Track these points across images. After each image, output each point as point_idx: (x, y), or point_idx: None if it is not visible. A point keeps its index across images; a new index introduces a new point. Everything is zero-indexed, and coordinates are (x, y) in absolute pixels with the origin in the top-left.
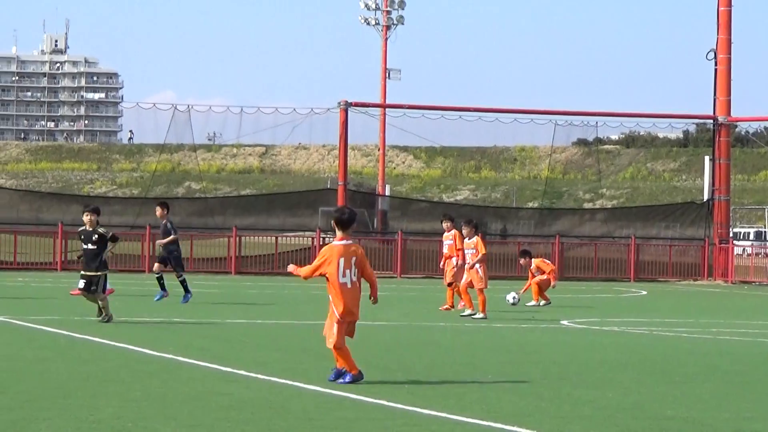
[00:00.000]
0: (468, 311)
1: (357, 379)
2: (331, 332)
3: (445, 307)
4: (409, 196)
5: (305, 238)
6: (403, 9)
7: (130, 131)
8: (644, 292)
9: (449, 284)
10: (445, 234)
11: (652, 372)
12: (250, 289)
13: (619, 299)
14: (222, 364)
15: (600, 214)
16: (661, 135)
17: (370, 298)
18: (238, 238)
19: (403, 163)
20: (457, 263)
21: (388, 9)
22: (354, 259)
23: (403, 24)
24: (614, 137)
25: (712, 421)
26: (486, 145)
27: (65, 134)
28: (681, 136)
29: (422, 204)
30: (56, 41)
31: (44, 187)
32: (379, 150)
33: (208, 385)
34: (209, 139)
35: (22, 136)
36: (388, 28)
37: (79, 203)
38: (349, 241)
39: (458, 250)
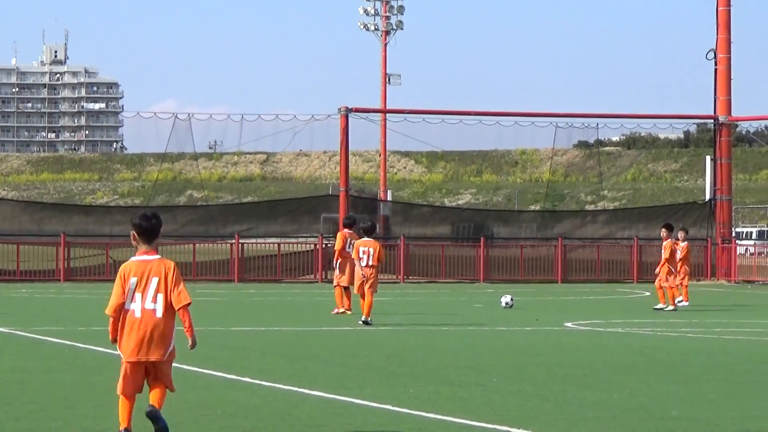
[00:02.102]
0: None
1: None
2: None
3: (341, 310)
4: (411, 201)
5: (308, 245)
6: (402, 14)
7: (121, 141)
8: (647, 293)
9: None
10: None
11: (658, 373)
12: (253, 296)
13: (622, 300)
14: (227, 371)
15: (602, 215)
16: (662, 136)
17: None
18: (240, 246)
19: (405, 168)
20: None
21: (387, 14)
22: (155, 280)
23: (402, 29)
24: (615, 139)
25: (718, 420)
26: (487, 149)
27: (66, 145)
28: (682, 136)
29: (424, 209)
30: (56, 52)
31: (46, 198)
32: (380, 155)
33: (214, 393)
34: (210, 148)
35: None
36: (387, 33)
37: (81, 214)
38: (152, 257)
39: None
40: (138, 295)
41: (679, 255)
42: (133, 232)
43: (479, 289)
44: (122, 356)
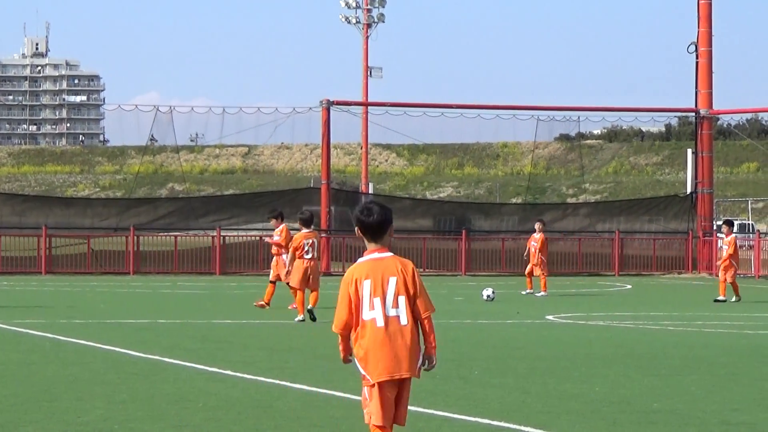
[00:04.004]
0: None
1: None
2: (365, 404)
3: (260, 302)
4: (393, 194)
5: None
6: (383, 7)
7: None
8: (629, 286)
9: (272, 281)
10: (276, 230)
11: (639, 365)
12: (234, 289)
13: (603, 293)
14: (208, 364)
15: (583, 208)
16: (643, 129)
17: (423, 364)
18: (222, 238)
19: (386, 161)
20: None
21: (369, 7)
22: (393, 280)
23: (383, 22)
24: (596, 132)
25: (699, 413)
26: (469, 142)
27: (47, 138)
28: (663, 129)
29: (406, 202)
30: (37, 44)
31: (27, 190)
32: (361, 148)
33: (195, 386)
34: (192, 140)
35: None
36: (368, 26)
37: (63, 206)
38: (384, 254)
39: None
40: (377, 301)
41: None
42: (357, 228)
43: (460, 282)
44: (369, 378)
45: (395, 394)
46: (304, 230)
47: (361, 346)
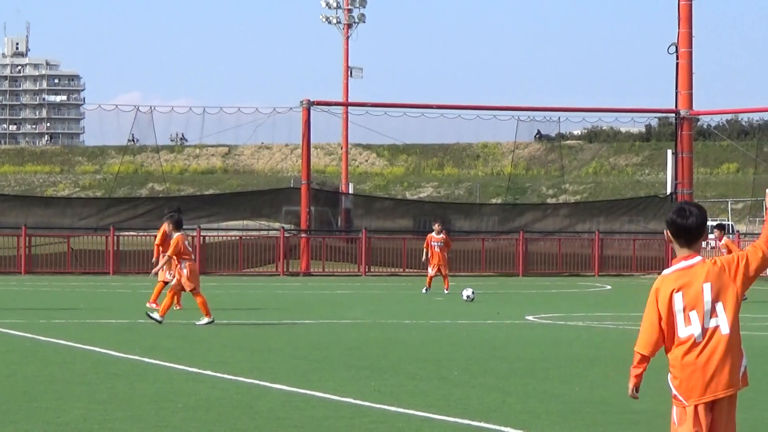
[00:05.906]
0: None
1: None
2: (674, 428)
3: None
4: (373, 194)
5: (269, 238)
6: (364, 7)
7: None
8: (608, 287)
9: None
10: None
11: (619, 366)
12: (214, 288)
13: (583, 294)
14: (188, 364)
15: (563, 209)
16: (623, 129)
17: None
18: (201, 238)
19: (366, 161)
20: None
21: (350, 7)
22: (707, 287)
23: (364, 22)
24: (576, 132)
25: None
26: (449, 142)
27: (27, 137)
28: (643, 130)
29: (386, 202)
30: (17, 44)
31: (7, 190)
32: (342, 148)
33: (175, 386)
34: (172, 140)
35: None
36: (349, 26)
37: (42, 206)
38: (693, 260)
39: (157, 245)
40: (693, 314)
41: None
42: (667, 231)
43: (441, 282)
44: (683, 399)
45: (712, 416)
46: (180, 233)
47: (676, 365)
